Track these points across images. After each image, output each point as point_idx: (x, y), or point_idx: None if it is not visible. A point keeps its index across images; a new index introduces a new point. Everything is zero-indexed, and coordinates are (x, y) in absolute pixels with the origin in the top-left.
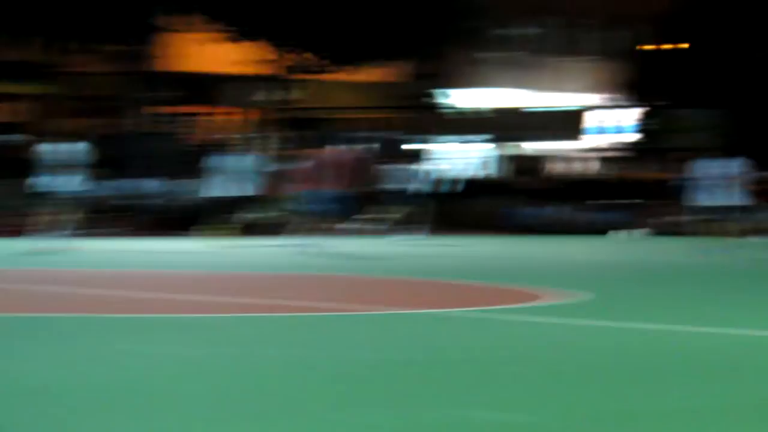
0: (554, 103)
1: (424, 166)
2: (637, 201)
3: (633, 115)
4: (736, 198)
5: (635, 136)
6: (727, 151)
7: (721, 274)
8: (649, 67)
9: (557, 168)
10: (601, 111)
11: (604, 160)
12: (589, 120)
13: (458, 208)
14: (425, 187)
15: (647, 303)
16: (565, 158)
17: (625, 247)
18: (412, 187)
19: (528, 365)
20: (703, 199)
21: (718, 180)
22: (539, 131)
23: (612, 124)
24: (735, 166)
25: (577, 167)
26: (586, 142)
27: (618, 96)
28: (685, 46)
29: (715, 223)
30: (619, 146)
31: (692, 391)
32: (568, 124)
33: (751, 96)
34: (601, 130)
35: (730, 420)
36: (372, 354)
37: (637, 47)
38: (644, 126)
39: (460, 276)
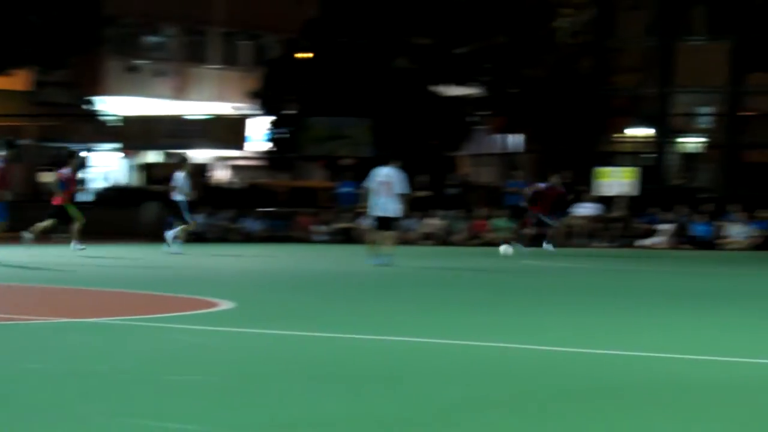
0: (193, 111)
1: (76, 174)
2: (286, 210)
3: (265, 124)
4: (392, 207)
5: (268, 145)
6: (377, 160)
7: (371, 281)
8: (278, 76)
9: (211, 176)
10: (242, 120)
11: (240, 168)
12: (234, 129)
13: (102, 215)
14: (81, 196)
15: (286, 310)
16: (215, 166)
17: (274, 255)
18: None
19: (165, 373)
20: (371, 208)
21: (380, 188)
22: (185, 139)
23: (248, 134)
24: (391, 176)
25: (220, 175)
26: (231, 150)
27: (249, 105)
28: (311, 55)
29: (377, 231)
30: (255, 155)
31: (350, 397)
32: (215, 131)
33: (391, 105)
34: (245, 139)
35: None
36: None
37: (270, 57)
38: (276, 135)
39: (102, 285)
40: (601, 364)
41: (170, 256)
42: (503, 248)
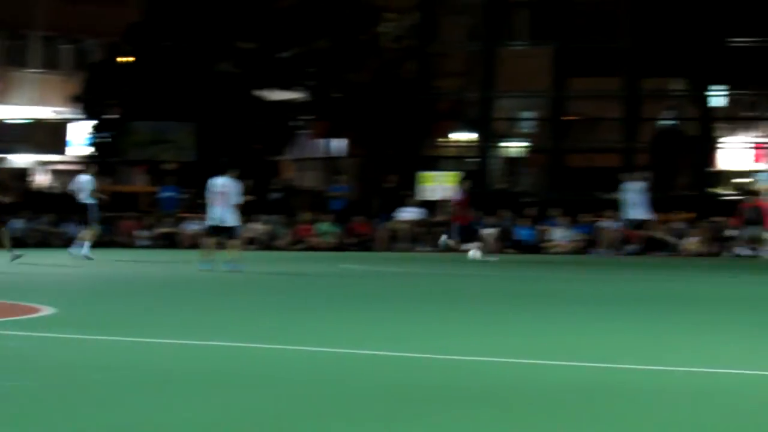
0: (13, 115)
1: None
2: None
3: (87, 128)
4: (229, 217)
5: (89, 149)
6: (202, 165)
7: (197, 286)
8: (100, 80)
9: (32, 180)
10: (63, 124)
11: (61, 172)
12: (55, 133)
13: None
14: None
15: (107, 316)
16: (35, 170)
17: (96, 260)
18: None
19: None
20: (208, 218)
21: (216, 198)
22: (6, 143)
23: (70, 138)
24: (227, 186)
25: (41, 180)
26: (52, 154)
27: (70, 109)
28: (133, 59)
29: (212, 238)
30: (76, 159)
31: (163, 401)
32: (35, 136)
33: (214, 109)
34: (66, 143)
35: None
36: None
37: (91, 61)
38: (98, 139)
39: None
40: (417, 367)
41: None
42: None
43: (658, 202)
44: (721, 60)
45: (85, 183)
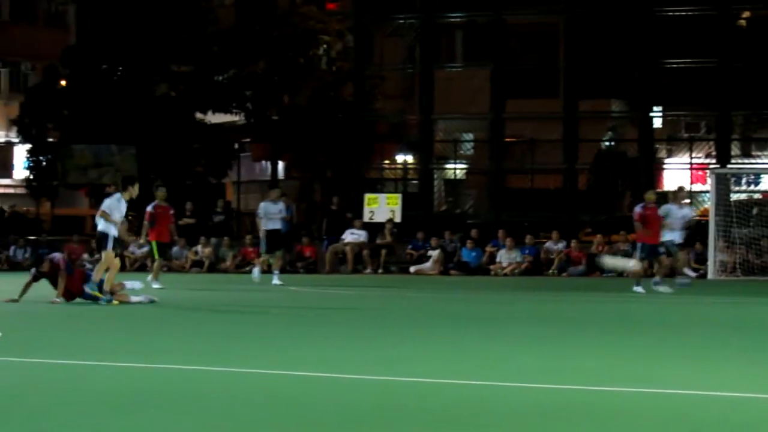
0: None
1: None
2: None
3: (26, 152)
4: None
5: (29, 173)
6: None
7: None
8: (38, 104)
9: None
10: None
11: (2, 196)
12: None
13: None
14: None
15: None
16: None
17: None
18: None
19: None
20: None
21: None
22: None
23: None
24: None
25: None
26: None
27: (9, 133)
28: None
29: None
30: (17, 182)
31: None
32: None
33: (154, 132)
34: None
35: None
36: None
37: (29, 85)
38: (38, 163)
39: None
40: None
41: None
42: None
43: (602, 223)
44: (660, 81)
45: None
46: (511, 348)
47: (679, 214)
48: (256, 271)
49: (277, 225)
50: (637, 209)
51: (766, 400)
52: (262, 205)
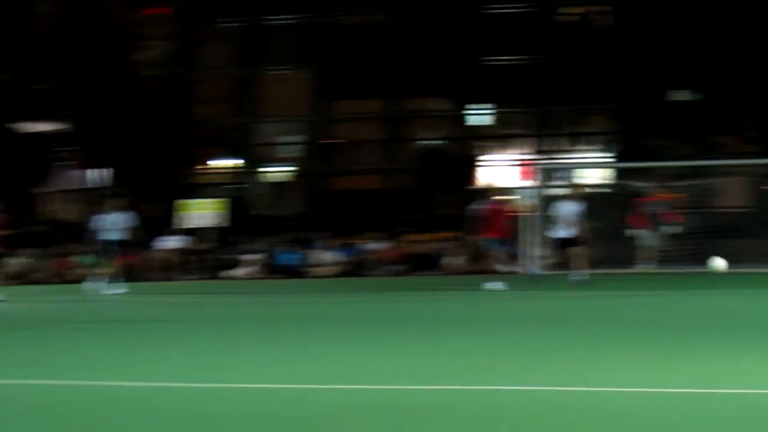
0: None
1: None
2: None
3: None
4: None
5: None
6: None
7: None
8: None
9: None
10: None
11: None
12: None
13: None
14: None
15: None
16: None
17: None
18: None
19: None
20: None
21: None
22: None
23: None
24: None
25: None
26: None
27: None
28: None
29: None
30: None
31: None
32: None
33: None
34: None
35: None
36: None
37: None
38: None
39: None
40: (193, 395)
41: None
42: (88, 285)
43: (424, 222)
44: (482, 79)
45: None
46: (328, 349)
47: (566, 209)
48: (91, 283)
49: (114, 235)
50: (480, 206)
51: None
52: (99, 216)
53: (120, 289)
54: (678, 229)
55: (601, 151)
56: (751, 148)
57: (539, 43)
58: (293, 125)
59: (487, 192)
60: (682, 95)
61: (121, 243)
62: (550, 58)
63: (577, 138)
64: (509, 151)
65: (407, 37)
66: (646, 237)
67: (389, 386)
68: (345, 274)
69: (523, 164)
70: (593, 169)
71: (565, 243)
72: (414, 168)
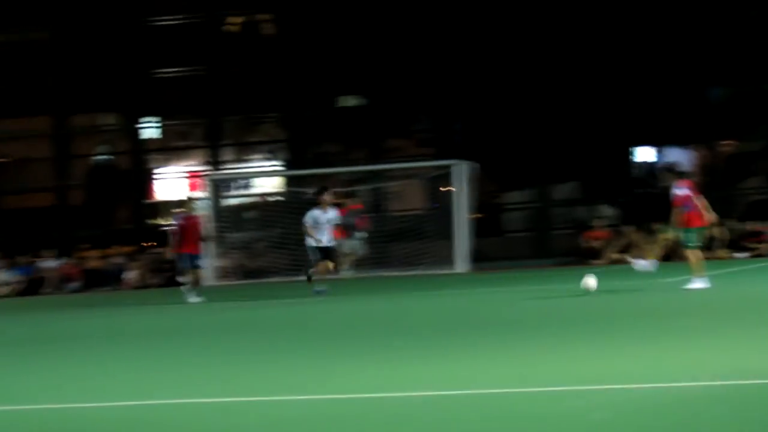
0: None
1: None
2: None
3: None
4: None
5: None
6: None
7: None
8: None
9: None
10: None
11: None
12: None
13: None
14: None
15: None
16: None
17: None
18: None
19: None
20: None
21: None
22: None
23: None
24: None
25: None
26: None
27: None
28: None
29: None
30: None
31: None
32: None
33: None
34: None
35: None
36: None
37: None
38: None
39: None
40: None
41: None
42: None
43: (100, 238)
44: (150, 92)
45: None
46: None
47: (324, 218)
48: None
49: None
50: (179, 221)
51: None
52: None
53: None
54: (365, 235)
55: (274, 159)
56: (423, 151)
57: (206, 53)
58: None
59: (182, 206)
60: (351, 101)
61: None
62: (218, 68)
63: (249, 148)
64: (182, 163)
65: (74, 52)
66: (343, 245)
67: (58, 405)
68: (20, 293)
69: (195, 176)
70: (267, 178)
71: (324, 253)
72: (87, 184)
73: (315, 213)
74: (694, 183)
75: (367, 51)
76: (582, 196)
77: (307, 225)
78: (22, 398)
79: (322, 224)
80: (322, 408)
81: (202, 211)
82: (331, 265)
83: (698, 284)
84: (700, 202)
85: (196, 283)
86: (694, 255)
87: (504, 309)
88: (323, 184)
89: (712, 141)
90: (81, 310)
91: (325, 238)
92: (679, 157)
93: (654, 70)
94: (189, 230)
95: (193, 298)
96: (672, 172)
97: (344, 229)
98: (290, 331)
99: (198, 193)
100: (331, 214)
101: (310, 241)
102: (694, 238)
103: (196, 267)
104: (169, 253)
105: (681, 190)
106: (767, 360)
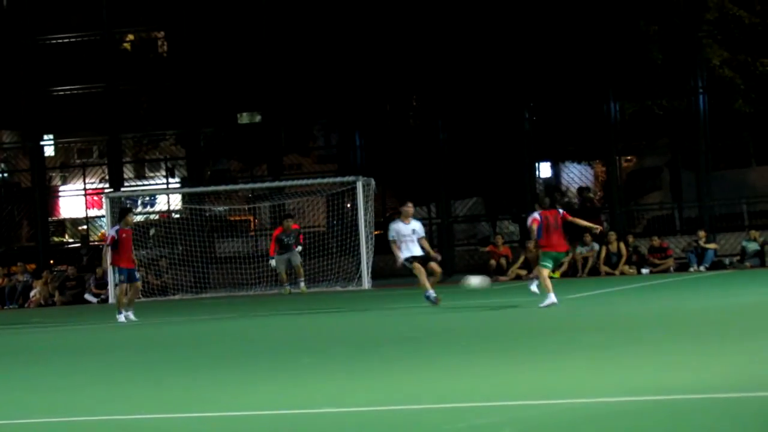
0: None
1: None
2: None
3: None
4: None
5: None
6: None
7: None
8: None
9: None
10: None
11: None
12: None
13: None
14: None
15: None
16: None
17: None
18: None
19: None
20: None
21: None
22: None
23: None
24: None
25: None
26: None
27: None
28: None
29: None
30: None
31: None
32: None
33: None
34: None
35: None
36: None
37: None
38: None
39: None
40: None
41: None
42: None
43: (1, 256)
44: (50, 108)
45: None
46: None
47: (408, 230)
48: None
49: None
50: (112, 234)
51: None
52: None
53: None
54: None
55: (172, 176)
56: (324, 167)
57: (104, 70)
58: None
59: (121, 219)
60: (250, 117)
61: None
62: (116, 84)
63: (148, 165)
64: (80, 181)
65: None
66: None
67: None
68: None
69: (95, 193)
70: (166, 195)
71: (420, 261)
72: None
73: (398, 225)
74: (554, 212)
75: (267, 67)
76: (485, 211)
77: (391, 240)
78: None
79: (407, 236)
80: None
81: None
82: (437, 269)
83: (548, 302)
84: (556, 231)
85: (130, 302)
86: (542, 273)
87: (402, 326)
88: (408, 200)
89: (613, 156)
90: None
91: (413, 248)
92: (581, 172)
93: (556, 85)
94: (124, 244)
95: (122, 318)
96: (539, 201)
97: (286, 246)
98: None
99: (97, 211)
100: (415, 225)
101: (401, 255)
102: (546, 260)
103: (133, 281)
104: (104, 266)
105: (532, 217)
106: (663, 377)
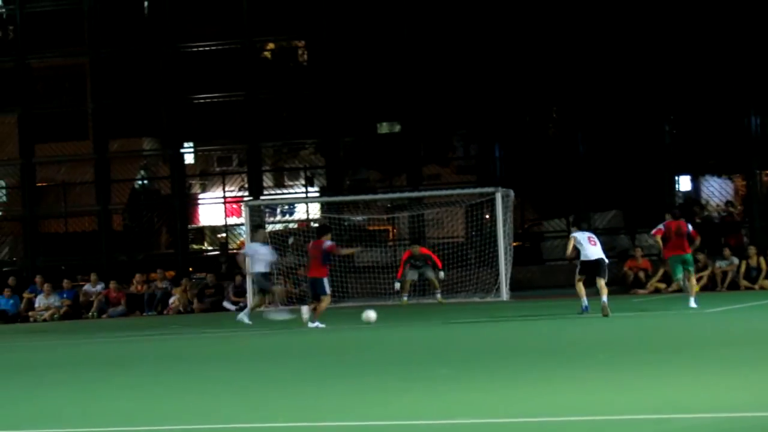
0: None
1: None
2: None
3: None
4: None
5: None
6: None
7: None
8: None
9: None
10: None
11: None
12: None
13: None
14: None
15: None
16: None
17: None
18: None
19: None
20: None
21: None
22: None
23: None
24: None
25: None
26: None
27: None
28: None
29: None
30: None
31: None
32: None
33: None
34: None
35: None
36: None
37: None
38: None
39: None
40: None
41: None
42: None
43: (139, 263)
44: (189, 116)
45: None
46: (54, 394)
47: (584, 236)
48: None
49: None
50: (309, 246)
51: None
52: None
53: None
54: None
55: (311, 185)
56: (463, 178)
57: (244, 79)
58: (3, 169)
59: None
60: (390, 127)
61: None
62: (256, 93)
63: (287, 173)
64: (219, 189)
65: (113, 77)
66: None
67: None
68: (63, 317)
69: (234, 201)
70: (305, 204)
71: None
72: (127, 209)
73: (583, 234)
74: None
75: (406, 77)
76: (624, 224)
77: (572, 245)
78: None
79: (585, 241)
80: None
81: (241, 237)
82: (602, 282)
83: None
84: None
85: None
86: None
87: (548, 337)
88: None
89: (754, 170)
90: (121, 333)
91: (590, 252)
92: (721, 186)
93: (697, 98)
94: (317, 254)
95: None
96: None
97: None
98: (321, 358)
99: (236, 219)
100: (590, 233)
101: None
102: (677, 268)
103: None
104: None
105: (656, 228)
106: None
